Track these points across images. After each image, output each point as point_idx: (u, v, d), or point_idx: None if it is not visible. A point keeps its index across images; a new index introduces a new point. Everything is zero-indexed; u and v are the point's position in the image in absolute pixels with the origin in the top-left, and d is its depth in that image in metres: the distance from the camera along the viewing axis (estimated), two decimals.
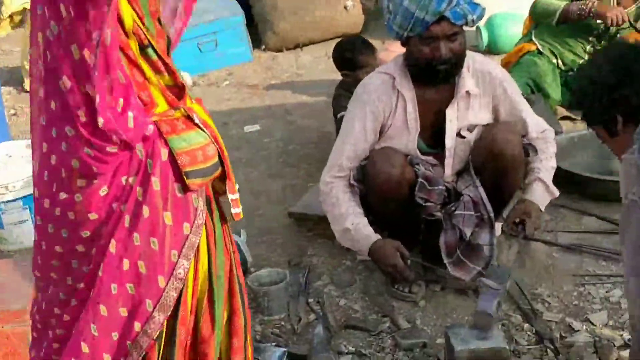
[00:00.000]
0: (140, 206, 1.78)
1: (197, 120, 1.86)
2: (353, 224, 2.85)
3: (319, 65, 6.05)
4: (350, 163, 2.92)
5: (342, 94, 3.79)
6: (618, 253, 3.07)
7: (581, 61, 4.43)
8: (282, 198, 3.79)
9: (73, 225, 1.79)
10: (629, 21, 4.19)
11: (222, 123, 4.99)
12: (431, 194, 2.86)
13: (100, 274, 1.79)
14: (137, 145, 1.75)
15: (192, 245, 1.85)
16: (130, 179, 1.77)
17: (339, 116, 3.69)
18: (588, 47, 4.41)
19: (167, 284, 1.82)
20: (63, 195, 1.76)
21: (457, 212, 2.88)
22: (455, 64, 2.83)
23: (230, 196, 1.97)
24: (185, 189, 1.83)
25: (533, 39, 4.56)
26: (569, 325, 2.69)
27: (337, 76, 4.07)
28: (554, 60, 4.45)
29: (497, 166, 2.86)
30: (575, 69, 4.40)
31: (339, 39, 4.65)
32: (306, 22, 6.43)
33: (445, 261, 2.86)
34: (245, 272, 3.13)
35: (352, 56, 3.84)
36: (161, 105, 1.81)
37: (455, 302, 2.88)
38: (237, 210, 2.00)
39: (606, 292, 2.87)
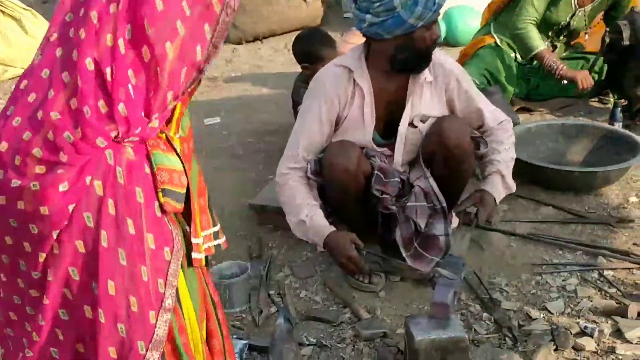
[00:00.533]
0: (122, 221, 1.63)
1: (177, 149, 1.76)
2: (308, 215, 2.83)
3: (279, 57, 6.05)
4: (307, 154, 2.91)
5: (302, 87, 3.78)
6: (574, 242, 3.13)
7: None
8: (242, 190, 3.78)
9: (22, 217, 1.64)
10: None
11: None
12: (387, 186, 2.88)
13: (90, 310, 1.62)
14: (107, 151, 1.63)
15: (175, 273, 1.72)
16: (95, 182, 1.62)
17: (298, 109, 3.69)
18: (547, 42, 4.47)
19: (157, 319, 1.66)
20: (16, 183, 1.62)
21: (409, 204, 2.91)
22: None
23: (193, 240, 1.82)
24: (162, 209, 1.70)
25: (492, 32, 4.61)
26: (527, 313, 2.73)
27: (298, 68, 4.07)
28: (512, 54, 4.50)
29: (446, 158, 2.88)
30: (531, 62, 4.46)
31: (299, 32, 4.64)
32: (266, 14, 6.41)
33: (404, 254, 2.88)
34: (206, 264, 3.12)
35: (312, 49, 3.84)
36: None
37: (415, 292, 2.90)
38: (197, 255, 1.84)
39: (562, 280, 2.92)
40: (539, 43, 4.28)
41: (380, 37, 2.82)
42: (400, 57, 2.85)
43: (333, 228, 2.83)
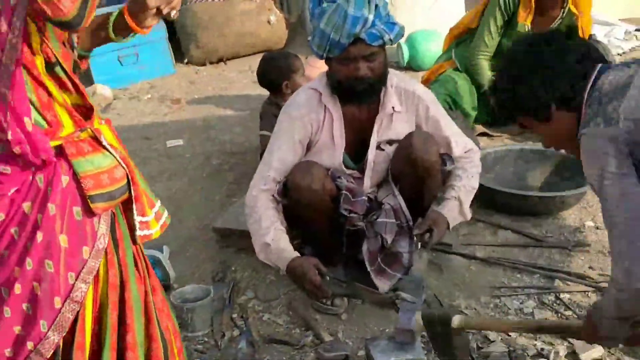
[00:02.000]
0: (35, 231, 1.78)
1: (104, 143, 1.85)
2: (273, 239, 2.82)
3: (243, 79, 6.07)
4: (277, 176, 2.92)
5: (269, 109, 3.82)
6: (532, 266, 3.20)
7: None
8: (205, 213, 3.78)
9: None
10: None
11: (144, 137, 4.95)
12: (355, 205, 2.91)
13: None
14: (37, 175, 1.76)
15: (91, 270, 1.86)
16: (25, 205, 1.78)
17: (260, 134, 3.73)
18: None
19: (63, 305, 1.83)
20: None
21: (379, 220, 2.95)
22: (375, 83, 2.87)
23: (139, 218, 1.96)
24: (87, 212, 1.83)
25: (453, 57, 4.69)
26: (486, 336, 2.77)
27: (261, 90, 4.09)
28: (472, 79, 4.58)
29: (415, 172, 2.92)
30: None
31: (262, 53, 4.67)
32: (230, 36, 6.44)
33: (368, 268, 2.92)
34: (169, 288, 3.12)
35: (276, 79, 3.88)
36: (67, 127, 1.79)
37: (376, 315, 2.93)
38: (143, 232, 1.98)
39: (520, 303, 2.97)
40: (490, 78, 4.35)
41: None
42: (330, 84, 2.92)
43: (297, 253, 2.82)
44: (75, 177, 1.80)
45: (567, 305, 2.93)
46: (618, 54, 5.87)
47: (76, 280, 1.84)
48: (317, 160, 2.94)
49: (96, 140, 1.84)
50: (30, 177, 1.77)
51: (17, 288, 1.80)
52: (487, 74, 4.38)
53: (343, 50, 2.77)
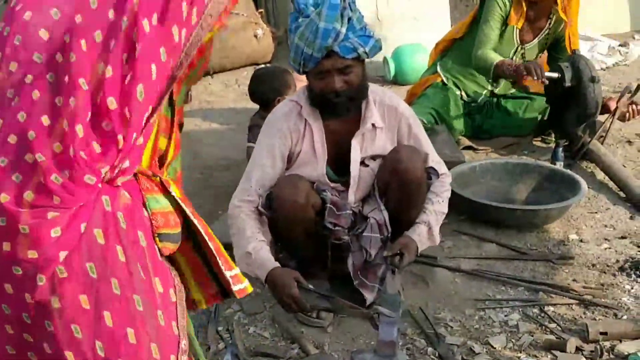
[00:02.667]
0: (133, 267, 1.59)
1: (172, 192, 1.74)
2: (254, 248, 2.81)
3: (229, 93, 6.07)
4: (259, 188, 2.92)
5: (258, 123, 3.84)
6: (516, 278, 3.21)
7: (484, 92, 4.61)
8: None
9: (17, 280, 1.54)
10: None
11: None
12: (339, 219, 2.92)
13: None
14: (103, 197, 1.58)
15: (183, 313, 1.71)
16: (95, 231, 1.57)
17: (247, 146, 3.75)
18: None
19: None
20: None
21: (365, 234, 2.96)
22: (353, 96, 2.88)
23: (228, 273, 1.81)
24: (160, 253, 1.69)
25: (438, 70, 4.72)
26: (471, 348, 2.79)
27: (248, 104, 4.10)
28: (457, 92, 4.62)
29: (401, 185, 2.93)
30: (477, 100, 4.58)
31: (249, 67, 4.67)
32: (217, 49, 6.43)
33: (354, 282, 2.94)
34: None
35: (268, 96, 3.89)
36: (144, 165, 1.71)
37: (362, 327, 2.93)
38: (239, 286, 1.84)
39: (505, 315, 2.99)
40: (493, 58, 4.31)
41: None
42: (309, 96, 2.94)
43: (277, 264, 2.81)
44: (148, 215, 1.66)
45: (552, 318, 2.95)
46: (601, 69, 5.94)
47: (178, 329, 1.66)
48: (301, 172, 2.95)
49: (164, 186, 1.74)
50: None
51: (131, 335, 1.58)
52: (491, 56, 4.32)
53: (317, 64, 2.79)
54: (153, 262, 1.63)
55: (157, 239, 1.66)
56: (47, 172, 1.53)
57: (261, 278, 2.82)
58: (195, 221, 1.75)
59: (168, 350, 1.62)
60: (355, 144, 2.98)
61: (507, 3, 4.37)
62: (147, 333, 1.59)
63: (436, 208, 3.04)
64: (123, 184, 1.62)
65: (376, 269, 2.97)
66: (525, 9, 4.36)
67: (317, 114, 2.96)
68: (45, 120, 1.54)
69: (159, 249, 1.67)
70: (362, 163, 3.01)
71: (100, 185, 1.57)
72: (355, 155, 2.99)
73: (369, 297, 2.94)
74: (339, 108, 2.89)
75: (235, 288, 1.82)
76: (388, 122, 3.01)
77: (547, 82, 4.19)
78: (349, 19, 2.78)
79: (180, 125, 1.86)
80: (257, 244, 2.82)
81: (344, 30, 2.76)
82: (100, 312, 1.56)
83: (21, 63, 1.56)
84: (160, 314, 1.61)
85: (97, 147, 1.54)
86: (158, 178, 1.72)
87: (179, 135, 1.82)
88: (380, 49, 2.89)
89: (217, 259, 1.78)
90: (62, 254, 1.53)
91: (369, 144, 3.00)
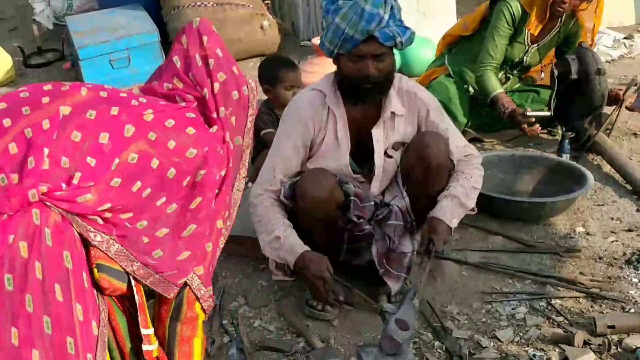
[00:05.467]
0: (49, 287, 1.50)
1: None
2: (283, 232, 2.84)
3: None
4: (283, 177, 2.94)
5: (265, 113, 3.86)
6: (523, 271, 3.20)
7: None
8: None
9: None
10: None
11: None
12: (363, 210, 2.93)
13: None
14: (33, 210, 1.53)
15: (103, 348, 1.62)
16: (20, 243, 1.50)
17: (262, 133, 3.75)
18: (500, 74, 4.57)
19: None
20: None
21: (389, 222, 2.97)
22: (382, 83, 2.87)
23: (144, 331, 1.75)
24: (90, 282, 1.61)
25: (446, 63, 4.70)
26: (478, 342, 2.78)
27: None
28: (464, 86, 4.59)
29: (425, 170, 2.93)
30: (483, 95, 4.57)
31: (255, 58, 4.67)
32: (224, 40, 6.42)
33: (379, 271, 2.94)
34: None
35: (273, 71, 3.92)
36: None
37: (367, 321, 2.93)
38: (148, 347, 1.76)
39: (512, 309, 2.98)
40: (494, 87, 4.36)
41: (329, 57, 2.92)
42: (337, 82, 2.93)
43: (307, 247, 2.83)
44: (82, 242, 1.61)
45: (559, 311, 2.94)
46: (607, 62, 5.90)
47: None
48: (323, 162, 2.95)
49: None
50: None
51: (35, 356, 1.48)
52: (493, 83, 4.38)
53: (355, 47, 2.77)
54: (77, 288, 1.55)
55: (94, 269, 1.60)
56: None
57: (290, 261, 2.83)
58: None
59: None
60: (376, 133, 2.96)
61: (516, 11, 4.34)
62: (50, 358, 1.48)
63: (462, 183, 2.97)
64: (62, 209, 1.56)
65: (401, 258, 2.96)
66: (547, 15, 4.32)
67: (340, 102, 2.94)
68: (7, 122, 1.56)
69: (96, 281, 1.61)
70: (385, 154, 2.99)
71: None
72: (379, 147, 2.97)
73: (394, 286, 2.94)
74: (368, 93, 2.87)
75: (145, 348, 1.74)
76: (408, 108, 3.00)
77: (538, 131, 4.27)
78: (392, 7, 2.79)
79: None
80: (285, 229, 2.85)
81: (386, 17, 2.76)
82: (8, 328, 1.47)
83: None
84: (70, 341, 1.51)
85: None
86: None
87: None
88: (412, 42, 2.89)
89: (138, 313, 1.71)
90: None
91: (390, 132, 2.98)
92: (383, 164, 3.00)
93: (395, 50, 2.90)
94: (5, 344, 1.45)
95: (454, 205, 2.94)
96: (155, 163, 1.67)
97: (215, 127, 1.88)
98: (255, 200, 2.94)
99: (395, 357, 2.50)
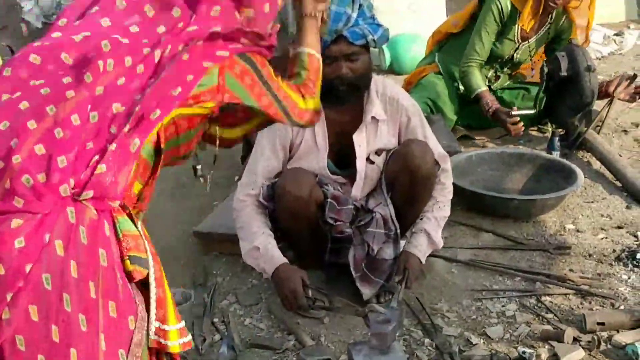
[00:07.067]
0: (84, 284, 1.51)
1: (138, 227, 1.68)
2: (262, 243, 2.85)
3: None
4: (264, 180, 2.93)
5: None
6: (513, 268, 3.21)
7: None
8: (186, 218, 3.76)
9: None
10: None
11: None
12: (340, 213, 2.92)
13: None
14: (68, 208, 1.54)
15: (139, 343, 1.61)
16: (56, 242, 1.50)
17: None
18: (490, 73, 4.58)
19: None
20: None
21: (369, 229, 2.96)
22: (356, 84, 2.85)
23: (168, 327, 1.69)
24: (124, 277, 1.61)
25: (436, 61, 4.70)
26: (468, 339, 2.78)
27: None
28: (454, 83, 4.60)
29: (411, 181, 2.93)
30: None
31: None
32: None
33: (354, 275, 2.93)
34: None
35: None
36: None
37: (358, 319, 2.91)
38: (169, 342, 1.70)
39: (502, 306, 2.98)
40: (479, 85, 4.37)
41: None
42: None
43: (286, 260, 2.86)
44: (116, 236, 1.60)
45: (549, 308, 2.94)
46: (597, 58, 5.93)
47: (127, 358, 1.58)
48: (302, 164, 2.94)
49: (132, 218, 1.68)
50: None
51: (73, 356, 1.51)
52: (477, 80, 4.39)
53: (326, 48, 2.74)
54: (111, 285, 1.56)
55: (127, 261, 1.60)
56: (20, 173, 1.50)
57: (268, 272, 2.86)
58: (151, 262, 1.68)
59: None
60: (358, 138, 2.95)
61: (505, 8, 4.34)
62: (87, 356, 1.51)
63: (436, 214, 3.04)
64: (93, 202, 1.57)
65: (381, 264, 2.95)
66: (540, 11, 4.32)
67: None
68: (31, 124, 1.55)
69: (129, 273, 1.61)
70: (367, 159, 2.99)
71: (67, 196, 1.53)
72: (361, 153, 2.96)
73: (368, 292, 2.93)
74: (342, 95, 2.84)
75: (170, 343, 1.70)
76: (390, 114, 2.99)
77: (522, 130, 4.25)
78: (360, 5, 2.77)
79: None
80: (265, 239, 2.86)
81: (354, 15, 2.74)
82: (48, 326, 1.50)
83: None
84: (102, 337, 1.52)
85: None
86: (128, 209, 1.67)
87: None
88: (387, 39, 2.87)
89: (152, 306, 1.68)
90: (28, 267, 1.48)
91: (372, 137, 2.98)
92: (365, 170, 2.99)
93: (385, 48, 2.89)
94: (47, 341, 1.49)
95: (427, 242, 3.01)
96: None
97: None
98: (237, 205, 2.94)
99: (385, 354, 2.51)
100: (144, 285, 1.67)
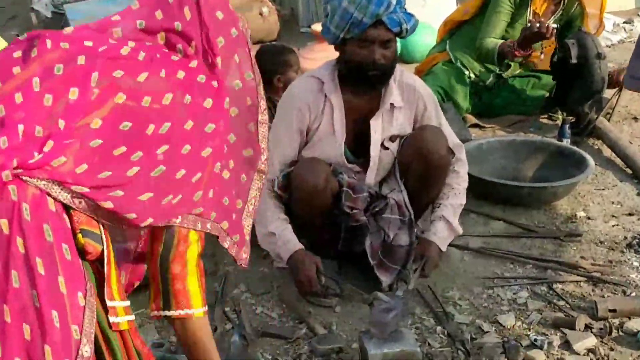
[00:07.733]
0: (33, 261, 1.50)
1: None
2: (279, 228, 2.88)
3: None
4: (280, 165, 2.94)
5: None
6: (524, 256, 3.20)
7: (492, 75, 4.56)
8: None
9: None
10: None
11: None
12: (356, 202, 2.92)
13: None
14: (10, 186, 1.51)
15: (92, 320, 1.59)
16: (1, 221, 1.50)
17: None
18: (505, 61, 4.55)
19: None
20: None
21: (384, 215, 2.96)
22: (386, 71, 2.87)
23: (109, 303, 1.69)
24: (74, 252, 1.59)
25: (447, 49, 4.68)
26: (479, 327, 2.78)
27: None
28: (465, 72, 4.58)
29: (425, 167, 2.94)
30: (485, 82, 4.55)
31: (255, 45, 4.62)
32: None
33: (371, 263, 2.93)
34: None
35: (280, 57, 3.85)
36: None
37: (369, 308, 2.93)
38: (114, 319, 1.70)
39: (513, 294, 2.98)
40: (495, 42, 4.35)
41: (332, 44, 2.90)
42: (342, 70, 2.91)
43: (301, 246, 2.88)
44: (66, 211, 1.59)
45: (560, 296, 2.94)
46: (607, 46, 5.88)
47: (81, 334, 1.56)
48: (318, 150, 2.95)
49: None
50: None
51: (27, 332, 1.51)
52: (492, 42, 4.36)
53: (363, 31, 2.76)
54: (60, 261, 1.54)
55: (79, 234, 1.59)
56: None
57: (283, 258, 2.89)
58: (104, 238, 1.68)
59: (61, 354, 1.51)
60: (374, 124, 2.96)
61: None
62: (38, 333, 1.50)
63: (452, 202, 3.05)
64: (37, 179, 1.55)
65: (397, 250, 2.96)
66: None
67: (338, 91, 2.93)
68: None
69: (82, 247, 1.60)
70: (382, 145, 2.99)
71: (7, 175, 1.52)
72: (376, 137, 2.97)
73: (386, 279, 2.93)
74: (373, 80, 2.87)
75: (111, 319, 1.69)
76: (407, 102, 3.00)
77: (555, 30, 4.17)
78: None
79: None
80: (280, 224, 2.89)
81: (394, 2, 2.76)
82: (0, 307, 1.49)
83: None
84: (55, 314, 1.51)
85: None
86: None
87: None
88: (415, 30, 2.88)
89: (104, 282, 1.68)
90: None
91: (388, 124, 2.98)
92: (379, 155, 2.99)
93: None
94: None
95: (446, 229, 3.04)
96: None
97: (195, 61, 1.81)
98: None
99: (396, 342, 2.52)
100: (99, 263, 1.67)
